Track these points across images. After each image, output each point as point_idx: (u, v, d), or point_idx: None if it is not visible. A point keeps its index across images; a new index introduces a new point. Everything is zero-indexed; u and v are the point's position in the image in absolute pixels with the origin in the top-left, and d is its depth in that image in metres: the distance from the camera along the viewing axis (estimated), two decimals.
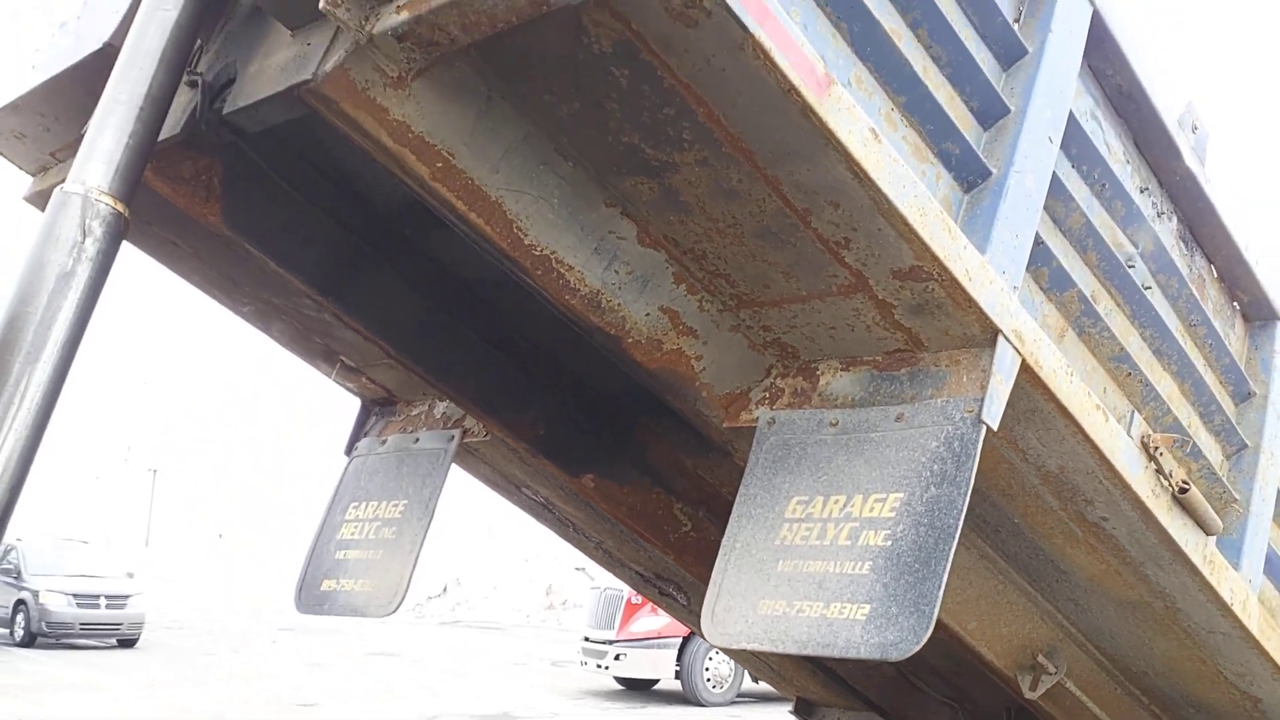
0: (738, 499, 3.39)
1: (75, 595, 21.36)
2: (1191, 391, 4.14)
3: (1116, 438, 3.51)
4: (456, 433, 4.53)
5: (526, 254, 3.18)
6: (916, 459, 3.06)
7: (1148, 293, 3.89)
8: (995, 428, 3.03)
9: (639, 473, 4.60)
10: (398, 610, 4.32)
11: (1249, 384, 4.42)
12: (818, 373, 3.50)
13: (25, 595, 21.75)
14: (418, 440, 4.70)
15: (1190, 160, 4.00)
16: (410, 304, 3.97)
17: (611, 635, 19.21)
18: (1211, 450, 4.29)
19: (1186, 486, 3.71)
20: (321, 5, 2.62)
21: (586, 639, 20.00)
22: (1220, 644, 4.34)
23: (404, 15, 2.61)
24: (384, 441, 4.85)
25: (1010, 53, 3.35)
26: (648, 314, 3.40)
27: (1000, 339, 3.07)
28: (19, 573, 22.37)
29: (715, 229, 3.13)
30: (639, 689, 20.52)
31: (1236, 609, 4.11)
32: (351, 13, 2.65)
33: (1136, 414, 3.81)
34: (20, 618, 21.87)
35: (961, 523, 2.90)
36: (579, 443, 4.44)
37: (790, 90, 2.53)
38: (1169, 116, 3.90)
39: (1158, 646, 4.57)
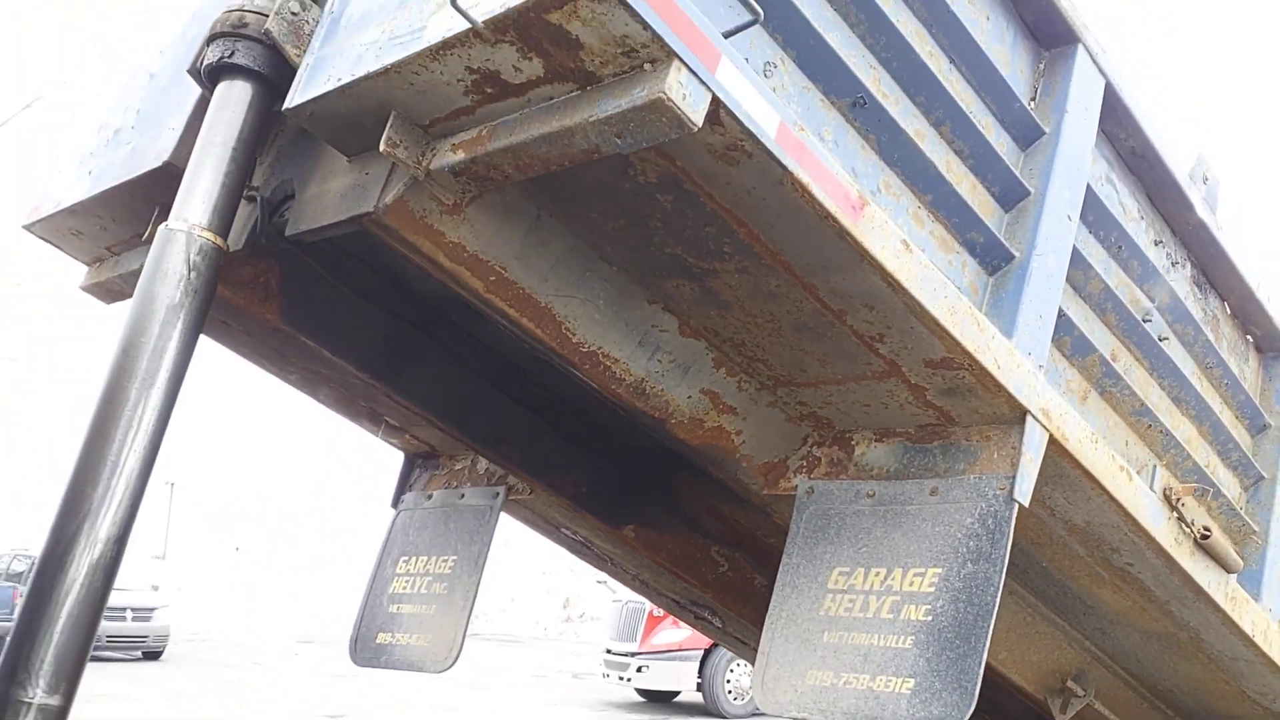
0: (781, 567, 3.56)
1: (109, 610, 21.55)
2: (1209, 432, 4.30)
3: (1140, 494, 3.68)
4: (501, 490, 4.70)
5: (574, 351, 3.35)
6: (953, 534, 3.23)
7: (1164, 344, 4.05)
8: (1027, 504, 3.20)
9: (678, 521, 4.79)
10: (454, 666, 4.52)
11: (1264, 417, 4.58)
12: (853, 443, 3.67)
13: None
14: (463, 496, 4.87)
15: (1202, 211, 4.14)
16: (457, 381, 4.14)
17: (634, 648, 19.28)
18: (1230, 485, 4.45)
19: (1208, 533, 3.88)
20: (382, 148, 2.78)
21: (608, 651, 20.12)
22: (1244, 669, 4.52)
23: (460, 155, 2.77)
24: (430, 496, 5.03)
25: (1028, 134, 3.49)
26: (689, 397, 3.57)
27: (1029, 418, 3.24)
28: None
29: (754, 323, 3.29)
30: (661, 701, 20.73)
31: (1259, 640, 4.29)
32: (409, 152, 2.81)
33: (1158, 464, 3.98)
34: None
35: (999, 599, 3.07)
36: (619, 497, 4.62)
37: (827, 217, 2.69)
38: (1180, 173, 4.04)
39: (1183, 670, 4.75)
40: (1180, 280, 4.21)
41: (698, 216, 2.84)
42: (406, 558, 5.00)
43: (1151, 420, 3.94)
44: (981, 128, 3.34)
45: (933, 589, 3.19)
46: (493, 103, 2.65)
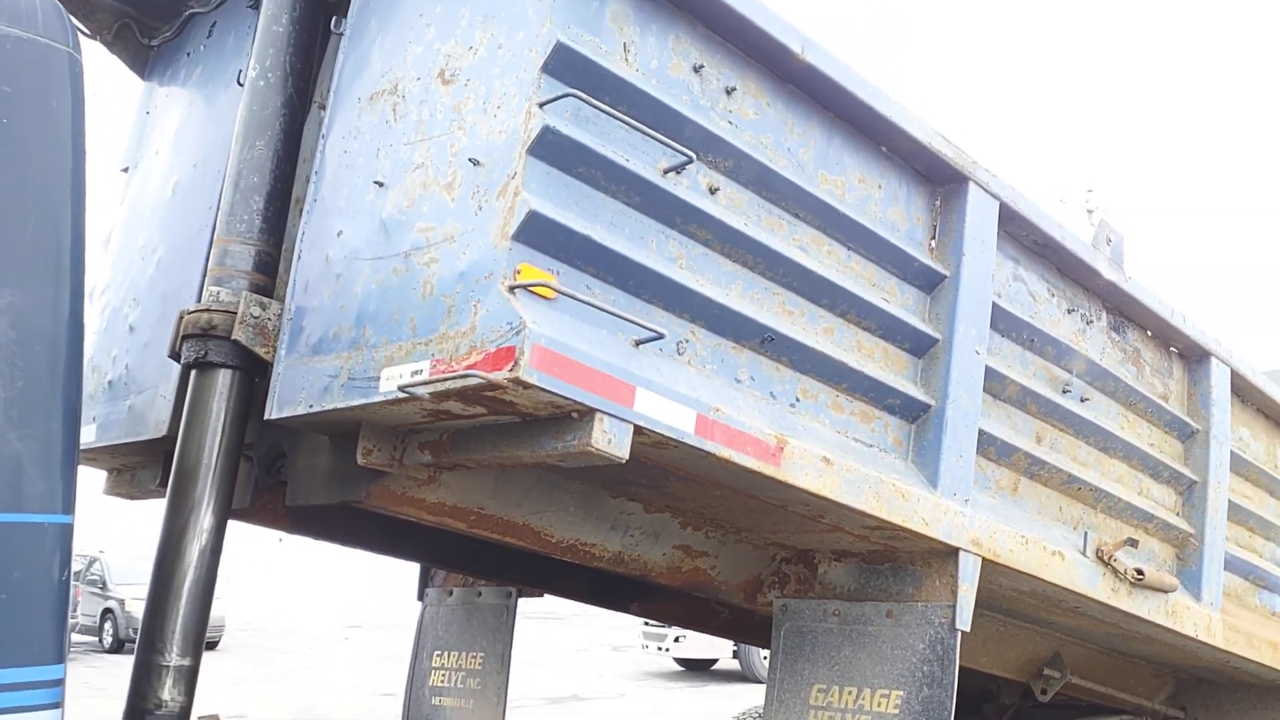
0: (768, 682, 4.06)
1: None
2: (1139, 464, 4.73)
3: (1074, 566, 4.14)
4: (513, 590, 5.19)
5: (555, 547, 3.79)
6: (909, 659, 3.71)
7: (1086, 404, 4.45)
8: (969, 630, 3.67)
9: (673, 593, 5.29)
10: None
11: (1191, 424, 4.99)
12: (815, 560, 4.13)
13: (112, 604, 22.95)
14: (480, 595, 5.36)
15: (1109, 273, 4.48)
16: (462, 539, 4.58)
17: None
18: (1165, 497, 4.90)
19: (1141, 575, 4.35)
20: (359, 459, 3.18)
21: (646, 624, 20.61)
22: (1195, 649, 5.05)
23: (427, 455, 3.16)
24: (450, 593, 5.52)
25: (932, 280, 3.83)
26: (664, 554, 4.02)
27: (960, 553, 3.68)
28: (104, 583, 23.59)
29: (709, 504, 3.72)
30: (698, 669, 21.65)
31: (1202, 636, 4.80)
32: (383, 455, 3.21)
33: (1091, 519, 4.43)
34: (108, 625, 23.07)
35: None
36: (618, 588, 5.10)
37: (751, 470, 3.09)
38: (1083, 250, 4.37)
39: (1144, 648, 5.30)
40: (1097, 335, 4.58)
41: (641, 468, 3.23)
42: (440, 652, 5.53)
43: (1081, 483, 4.37)
44: (885, 298, 3.68)
45: (898, 710, 3.68)
46: (448, 421, 3.02)
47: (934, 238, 3.90)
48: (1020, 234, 4.20)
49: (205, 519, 3.43)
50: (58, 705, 2.39)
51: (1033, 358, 4.27)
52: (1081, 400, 4.44)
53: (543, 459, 2.87)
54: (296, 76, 3.77)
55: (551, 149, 2.82)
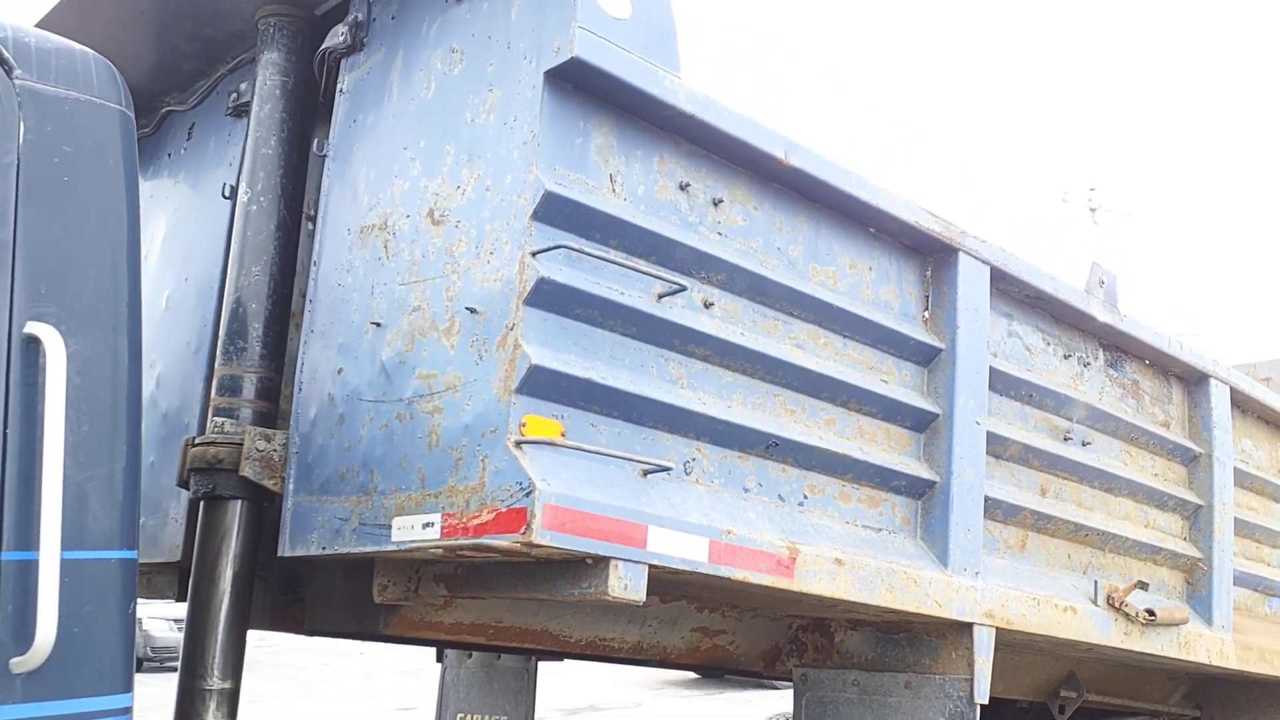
0: None
1: (176, 620, 22.68)
2: (1145, 498, 4.77)
3: (1085, 618, 4.19)
4: (533, 657, 5.25)
5: (574, 646, 3.84)
6: None
7: (1087, 448, 4.49)
8: (987, 703, 3.72)
9: None
10: None
11: (1194, 449, 5.03)
12: (832, 629, 4.18)
13: None
14: (499, 658, 5.42)
15: (1105, 316, 4.51)
16: None
17: None
18: (1171, 525, 4.95)
19: (1153, 615, 4.40)
20: (375, 598, 3.21)
21: None
22: (1210, 669, 5.12)
23: (442, 588, 3.20)
24: (469, 655, 5.58)
25: (928, 355, 3.85)
26: (682, 637, 4.07)
27: (975, 627, 3.73)
28: None
29: (726, 593, 3.76)
30: (715, 676, 21.60)
31: (1215, 661, 4.87)
32: (398, 589, 3.25)
33: (1098, 561, 4.48)
34: None
35: None
36: None
37: (766, 585, 3.13)
38: (1077, 298, 4.39)
39: (1159, 665, 5.36)
40: (1095, 375, 4.61)
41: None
42: (463, 714, 5.59)
43: (1087, 530, 4.41)
44: (884, 379, 3.71)
45: None
46: (463, 557, 3.06)
47: (927, 308, 3.92)
48: (1013, 290, 4.22)
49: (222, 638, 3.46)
50: None
51: (1032, 411, 4.30)
52: (1083, 445, 4.48)
53: (559, 600, 2.91)
54: (288, 198, 3.78)
55: (548, 297, 2.84)
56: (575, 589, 2.84)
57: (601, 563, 2.78)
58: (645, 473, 2.96)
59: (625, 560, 2.79)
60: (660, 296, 3.06)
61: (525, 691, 5.30)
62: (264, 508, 3.55)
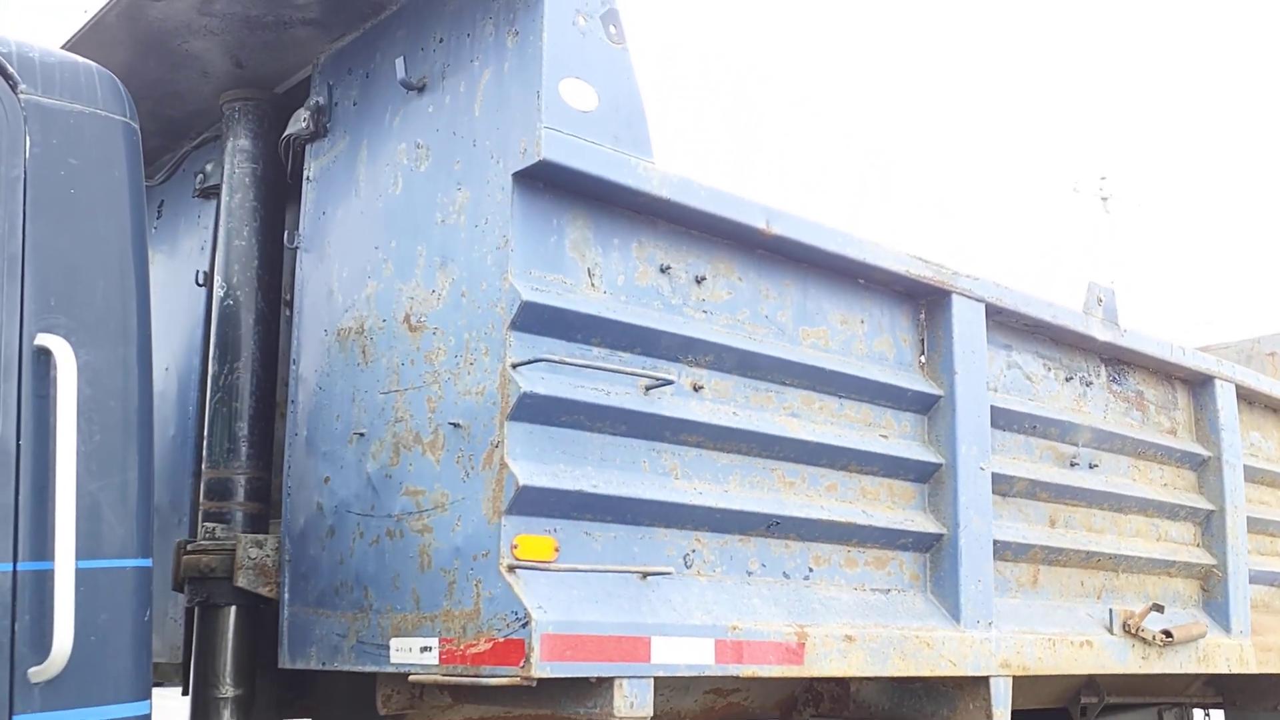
0: None
1: None
2: (1155, 511, 4.70)
3: (1103, 650, 4.14)
4: None
5: None
6: None
7: (1094, 470, 4.41)
8: None
9: None
10: None
11: (1202, 453, 4.95)
12: (847, 680, 4.11)
13: None
14: None
15: (1104, 334, 4.42)
16: None
17: None
18: (1184, 533, 4.88)
19: (1170, 637, 4.35)
20: (380, 709, 3.16)
21: None
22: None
23: (447, 698, 3.14)
24: None
25: (926, 403, 3.77)
26: (695, 700, 3.98)
27: (991, 680, 3.67)
28: None
29: None
30: None
31: (1235, 669, 4.82)
32: (402, 700, 3.19)
33: (1112, 583, 4.42)
34: None
35: None
36: None
37: (780, 676, 3.07)
38: (1075, 321, 4.30)
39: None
40: (1098, 393, 4.53)
41: None
42: None
43: (1099, 555, 4.35)
44: (883, 434, 3.63)
45: None
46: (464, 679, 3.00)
47: (923, 353, 3.84)
48: (1010, 321, 4.13)
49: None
50: None
51: (1037, 441, 4.22)
52: (1090, 468, 4.40)
53: (566, 719, 2.85)
54: (265, 289, 3.69)
55: (532, 410, 2.76)
56: (580, 708, 2.78)
57: (606, 682, 2.72)
58: (644, 575, 2.90)
59: (630, 678, 2.73)
60: (648, 389, 2.98)
61: None
62: (261, 609, 3.50)
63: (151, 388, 2.68)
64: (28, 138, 2.55)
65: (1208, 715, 6.63)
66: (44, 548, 2.39)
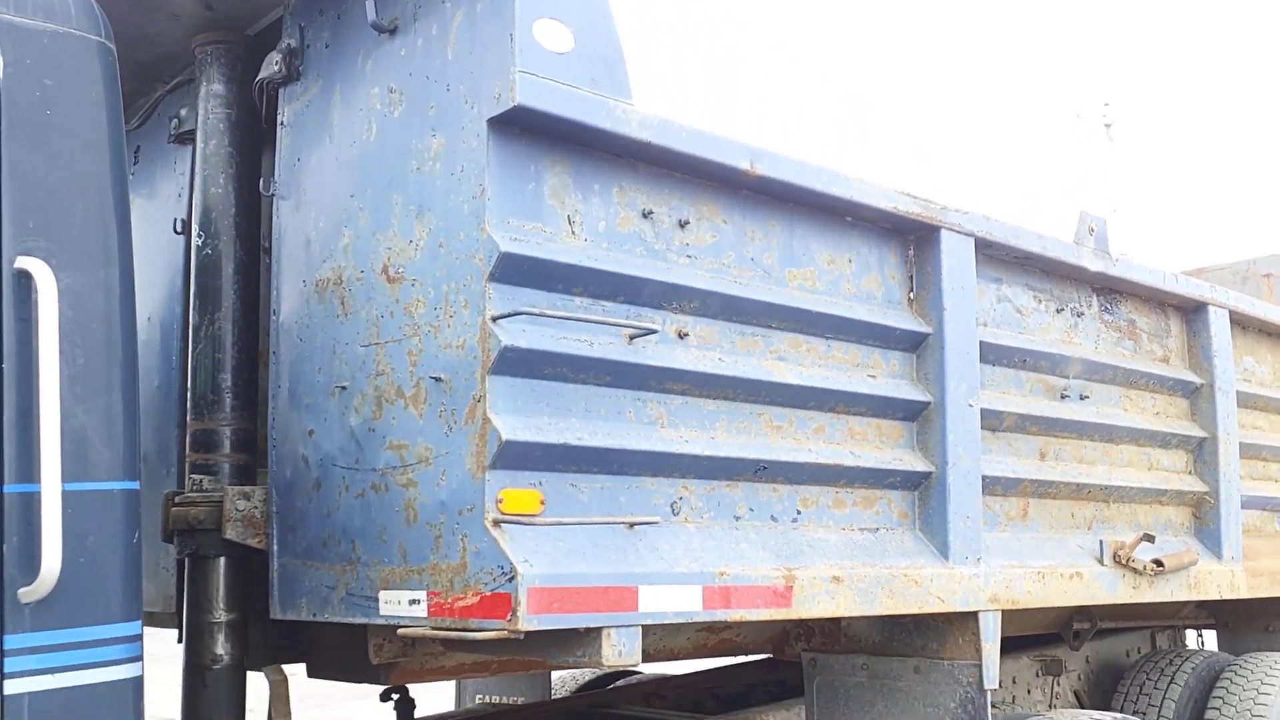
0: None
1: None
2: (1147, 440, 4.70)
3: (1093, 581, 4.16)
4: None
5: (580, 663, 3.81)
6: (942, 717, 3.76)
7: (1085, 401, 4.39)
8: (997, 688, 3.70)
9: None
10: None
11: (1195, 380, 4.93)
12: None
13: None
14: None
15: (1097, 264, 4.37)
16: None
17: None
18: (1176, 462, 4.88)
19: (1161, 566, 4.36)
20: (372, 658, 3.18)
21: None
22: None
23: (439, 645, 3.15)
24: None
25: (915, 341, 3.73)
26: (689, 638, 4.05)
27: (980, 614, 3.69)
28: None
29: None
30: None
31: (1226, 594, 4.86)
32: (394, 649, 3.22)
33: (1103, 514, 4.43)
34: None
35: None
36: None
37: (768, 619, 3.08)
38: (1067, 252, 4.25)
39: None
40: (1089, 324, 4.49)
41: None
42: (482, 695, 5.64)
43: (1091, 486, 4.35)
44: (871, 374, 3.61)
45: None
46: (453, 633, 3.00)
47: (912, 290, 3.80)
48: (1000, 255, 4.08)
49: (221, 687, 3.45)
50: (138, 659, 2.57)
51: (1027, 375, 4.20)
52: (1081, 399, 4.39)
53: (555, 667, 2.86)
54: (244, 238, 3.63)
55: (513, 364, 2.73)
56: (569, 657, 2.79)
57: (594, 632, 2.72)
58: (631, 525, 2.89)
59: (618, 627, 2.73)
60: (632, 338, 2.95)
61: (544, 678, 5.34)
62: (251, 560, 3.50)
63: (134, 311, 2.67)
64: (1, 58, 2.50)
65: (1200, 636, 6.74)
66: (30, 470, 2.41)
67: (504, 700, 5.49)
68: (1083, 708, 5.73)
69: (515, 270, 2.75)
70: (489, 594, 2.62)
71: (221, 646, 3.44)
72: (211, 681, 3.40)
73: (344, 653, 3.49)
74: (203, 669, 3.41)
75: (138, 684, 2.56)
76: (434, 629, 2.74)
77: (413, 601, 2.80)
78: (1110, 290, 4.63)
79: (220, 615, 3.43)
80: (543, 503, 2.74)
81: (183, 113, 3.95)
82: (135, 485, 2.61)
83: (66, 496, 2.41)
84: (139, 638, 2.59)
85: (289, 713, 3.46)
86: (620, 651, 2.73)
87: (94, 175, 2.60)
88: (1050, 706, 5.52)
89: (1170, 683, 5.47)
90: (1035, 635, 6.22)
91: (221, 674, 3.40)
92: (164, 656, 3.87)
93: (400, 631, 2.81)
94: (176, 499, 3.51)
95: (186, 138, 3.92)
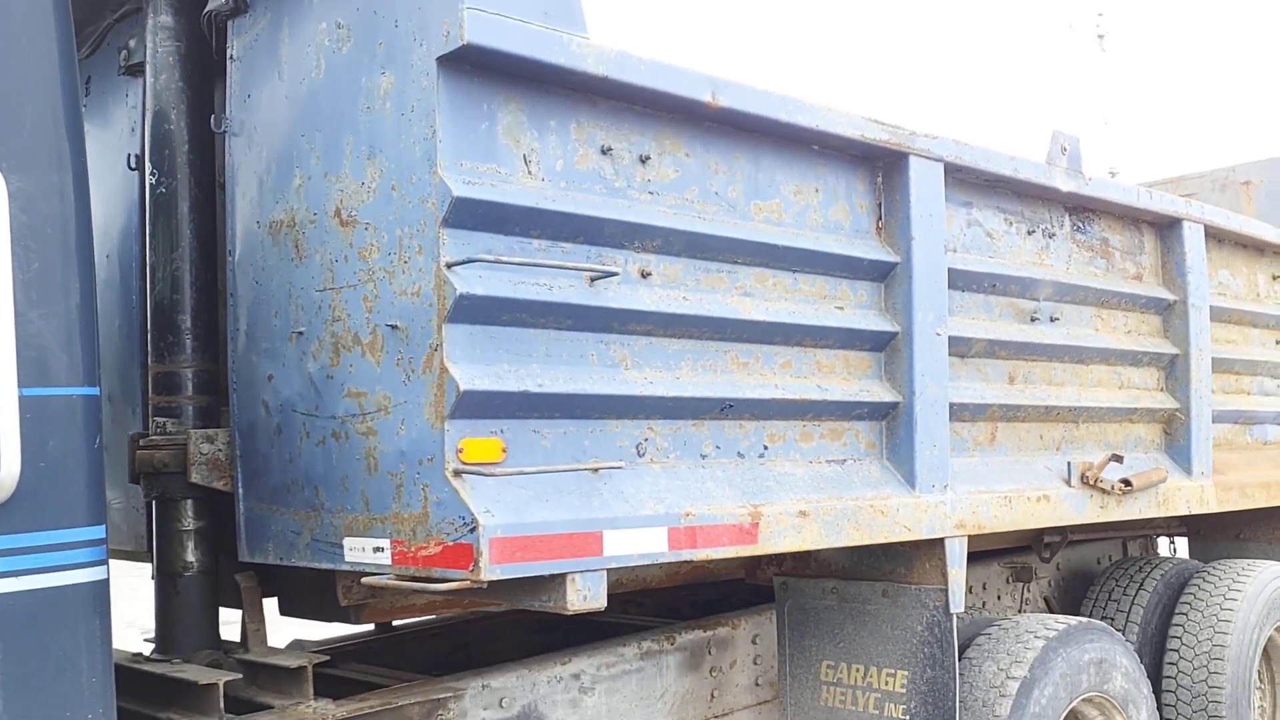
0: (779, 657, 4.19)
1: None
2: (1118, 359, 4.69)
3: (1060, 503, 4.19)
4: None
5: None
6: (909, 639, 3.82)
7: (1055, 324, 4.37)
8: (963, 612, 3.75)
9: None
10: None
11: (1168, 296, 4.91)
12: None
13: None
14: None
15: (1069, 184, 4.31)
16: None
17: None
18: (1147, 379, 4.88)
19: (1129, 485, 4.40)
20: (341, 601, 3.19)
21: None
22: None
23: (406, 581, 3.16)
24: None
25: (883, 270, 3.69)
26: (661, 567, 4.07)
27: (946, 540, 3.72)
28: None
29: None
30: None
31: (1195, 509, 4.91)
32: (362, 591, 3.22)
33: (1072, 434, 4.44)
34: None
35: (959, 703, 3.70)
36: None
37: (734, 557, 3.10)
38: (1039, 173, 4.19)
39: None
40: (1061, 244, 4.45)
41: None
42: None
43: (1060, 409, 4.35)
44: (838, 306, 3.57)
45: (904, 689, 3.82)
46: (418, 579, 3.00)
47: (880, 218, 3.74)
48: (970, 179, 4.02)
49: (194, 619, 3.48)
50: (103, 562, 2.59)
51: (997, 300, 4.17)
52: (1051, 321, 4.37)
53: (522, 609, 2.88)
54: (198, 174, 3.55)
55: (470, 312, 2.68)
56: (535, 602, 2.80)
57: (559, 577, 2.73)
58: (596, 469, 2.88)
59: (583, 572, 2.74)
60: (593, 280, 2.90)
61: None
62: (218, 499, 3.49)
63: (90, 216, 2.62)
64: None
65: (1172, 543, 6.84)
66: None
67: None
68: (1052, 613, 5.85)
69: (470, 214, 2.69)
70: (451, 544, 2.61)
71: (192, 554, 3.45)
72: (183, 588, 3.43)
73: (315, 593, 3.50)
74: (174, 576, 3.42)
75: (103, 587, 2.56)
76: (398, 577, 2.75)
77: (376, 549, 2.80)
78: (1083, 209, 4.58)
79: (189, 524, 3.44)
80: (504, 451, 2.72)
81: (131, 44, 3.83)
82: (95, 391, 2.58)
83: (24, 401, 2.39)
84: (103, 541, 2.59)
85: (263, 618, 3.49)
86: (585, 596, 2.75)
87: (44, 79, 2.53)
88: (1019, 611, 5.61)
89: (1139, 589, 5.56)
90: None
91: (192, 580, 3.42)
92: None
93: (365, 581, 2.81)
94: (141, 441, 3.49)
95: (137, 70, 3.80)
